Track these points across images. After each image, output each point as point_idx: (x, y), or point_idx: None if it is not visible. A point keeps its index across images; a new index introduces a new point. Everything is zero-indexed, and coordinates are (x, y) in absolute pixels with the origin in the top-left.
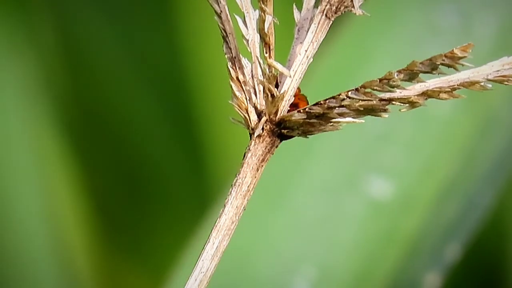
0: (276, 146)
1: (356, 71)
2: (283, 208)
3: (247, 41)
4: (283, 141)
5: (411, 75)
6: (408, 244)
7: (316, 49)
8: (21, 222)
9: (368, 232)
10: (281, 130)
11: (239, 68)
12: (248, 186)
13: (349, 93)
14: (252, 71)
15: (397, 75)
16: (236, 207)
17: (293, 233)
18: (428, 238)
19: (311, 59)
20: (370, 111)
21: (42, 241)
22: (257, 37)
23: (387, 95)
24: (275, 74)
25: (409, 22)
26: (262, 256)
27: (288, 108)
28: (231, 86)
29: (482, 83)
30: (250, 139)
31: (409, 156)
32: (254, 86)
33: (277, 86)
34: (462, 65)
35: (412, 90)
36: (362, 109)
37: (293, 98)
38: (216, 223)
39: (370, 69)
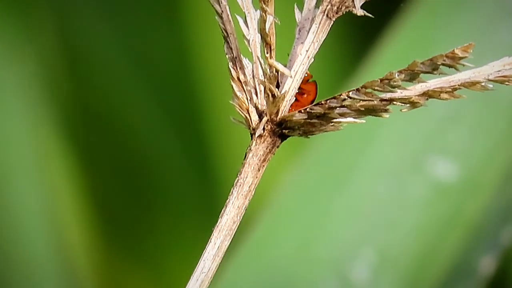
0: (277, 146)
1: (425, 53)
2: (347, 190)
3: (248, 41)
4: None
5: (412, 75)
6: (469, 227)
7: (317, 49)
8: (22, 221)
9: (431, 215)
10: (282, 130)
11: (240, 68)
12: (249, 186)
13: (350, 93)
14: (253, 71)
15: (397, 75)
16: (238, 207)
17: (355, 217)
18: (488, 222)
19: (312, 59)
20: (371, 111)
21: (43, 241)
22: (258, 37)
23: (388, 95)
24: (276, 74)
25: (480, 6)
26: (324, 239)
27: (295, 98)
28: (232, 86)
29: (483, 83)
30: (251, 139)
31: (474, 138)
32: (255, 86)
33: (278, 86)
34: (463, 65)
35: (413, 90)
36: (363, 109)
37: (302, 82)
38: (217, 223)
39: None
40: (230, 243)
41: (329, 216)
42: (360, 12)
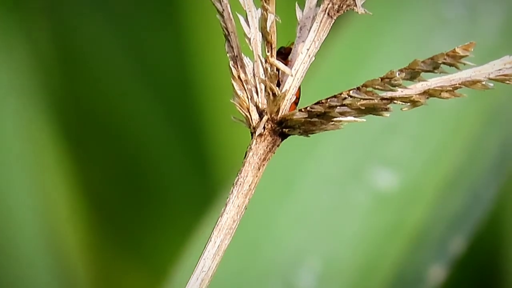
0: (278, 145)
1: (362, 65)
2: (289, 200)
3: (249, 39)
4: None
5: (412, 74)
6: (413, 236)
7: (318, 48)
8: (16, 220)
9: (374, 224)
10: (282, 129)
11: (240, 66)
12: (249, 185)
13: (351, 92)
14: (253, 70)
15: (398, 74)
16: (238, 206)
17: (299, 225)
18: (433, 231)
19: (313, 58)
20: (371, 110)
21: (39, 241)
22: (259, 36)
23: (388, 94)
24: (277, 73)
25: (416, 14)
26: (268, 248)
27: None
28: (233, 85)
29: (484, 82)
30: (252, 138)
31: (414, 148)
32: (256, 85)
33: (278, 85)
34: (464, 64)
35: (414, 89)
36: (363, 108)
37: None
38: (217, 222)
39: (376, 63)
40: (229, 242)
41: (274, 223)
42: (361, 10)
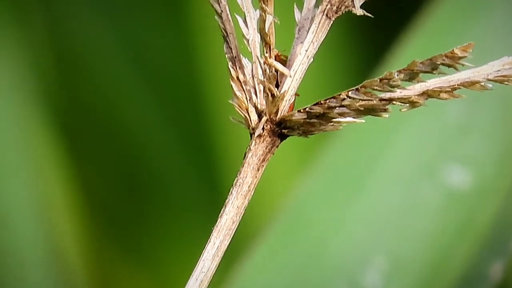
0: (277, 146)
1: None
2: (361, 196)
3: (248, 40)
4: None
5: (411, 75)
6: (482, 234)
7: (317, 49)
8: (14, 220)
9: (444, 223)
10: (281, 130)
11: (239, 68)
12: (248, 186)
13: (350, 93)
14: (252, 71)
15: (397, 75)
16: (237, 207)
17: (369, 223)
18: (498, 229)
19: (312, 59)
20: (370, 111)
21: (38, 241)
22: (257, 37)
23: (387, 95)
24: (276, 74)
25: (496, 12)
26: (337, 245)
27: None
28: (232, 86)
29: (483, 83)
30: (251, 139)
31: (488, 146)
32: (255, 86)
33: (277, 86)
34: (462, 65)
35: (413, 90)
36: (362, 109)
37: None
38: (217, 223)
39: None
40: (232, 243)
41: (342, 222)
42: (359, 11)
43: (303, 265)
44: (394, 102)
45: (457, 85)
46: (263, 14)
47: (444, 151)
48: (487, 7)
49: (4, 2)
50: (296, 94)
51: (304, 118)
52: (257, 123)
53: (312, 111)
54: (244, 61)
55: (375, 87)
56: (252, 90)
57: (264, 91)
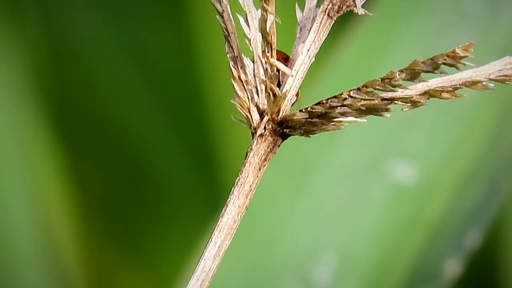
0: (278, 146)
1: (381, 58)
2: (306, 193)
3: (249, 40)
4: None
5: (413, 75)
6: (430, 230)
7: (318, 49)
8: (11, 219)
9: (391, 218)
10: (283, 130)
11: (241, 67)
12: (250, 186)
13: (351, 92)
14: (254, 70)
15: (399, 75)
16: (239, 206)
17: (316, 219)
18: (450, 224)
19: (313, 59)
20: (372, 110)
21: (35, 241)
22: (259, 37)
23: (389, 95)
24: (277, 73)
25: (435, 7)
26: (284, 242)
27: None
28: (233, 86)
29: (484, 83)
30: (252, 138)
31: (433, 141)
32: (256, 85)
33: (279, 85)
34: (464, 64)
35: (414, 89)
36: (364, 108)
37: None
38: (218, 223)
39: (395, 56)
40: (230, 243)
41: (290, 217)
42: (361, 11)
43: (252, 264)
44: (395, 101)
45: (459, 84)
46: (265, 13)
47: (389, 145)
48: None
49: (2, 3)
50: (297, 95)
51: (306, 118)
52: (258, 122)
53: (313, 110)
54: (246, 60)
55: (377, 87)
56: (254, 90)
57: (265, 90)
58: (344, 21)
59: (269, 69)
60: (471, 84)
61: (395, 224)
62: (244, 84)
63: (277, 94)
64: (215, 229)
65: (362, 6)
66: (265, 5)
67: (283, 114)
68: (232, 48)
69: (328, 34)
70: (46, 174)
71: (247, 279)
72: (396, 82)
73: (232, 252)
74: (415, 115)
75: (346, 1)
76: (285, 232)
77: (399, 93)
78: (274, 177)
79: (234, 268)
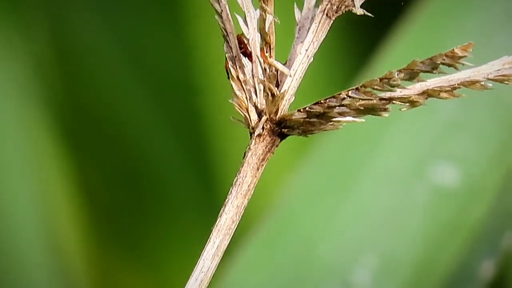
0: (277, 145)
1: (429, 54)
2: (351, 195)
3: (248, 40)
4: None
5: (411, 75)
6: (472, 232)
7: (317, 49)
8: (16, 220)
9: (434, 221)
10: (281, 129)
11: (239, 67)
12: (248, 186)
13: (350, 92)
14: (252, 70)
15: (397, 75)
16: (237, 206)
17: (359, 220)
18: (490, 226)
19: (312, 59)
20: (370, 110)
21: (38, 242)
22: (257, 36)
23: (387, 95)
24: (276, 73)
25: (483, 9)
26: (328, 243)
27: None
28: (232, 85)
29: (483, 82)
30: (251, 138)
31: (476, 144)
32: (255, 85)
33: (277, 85)
34: (463, 64)
35: (413, 89)
36: (362, 108)
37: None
38: (216, 223)
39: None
40: (230, 243)
41: (333, 219)
42: (359, 11)
43: (293, 265)
44: (394, 101)
45: (457, 84)
46: (263, 13)
47: (434, 149)
48: (480, 3)
49: (7, 5)
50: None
51: (304, 118)
52: (257, 122)
53: (312, 110)
54: (244, 60)
55: (375, 87)
56: (252, 90)
57: (264, 90)
58: (385, 23)
59: (267, 69)
60: (470, 84)
61: (437, 227)
62: (243, 84)
63: (275, 94)
64: (213, 229)
65: (360, 6)
66: (263, 5)
67: (281, 114)
68: (231, 48)
69: (327, 33)
70: (50, 175)
71: (289, 281)
72: (394, 82)
73: (275, 253)
74: (459, 117)
75: (345, 1)
76: (328, 235)
77: (398, 93)
78: (320, 179)
79: (276, 269)
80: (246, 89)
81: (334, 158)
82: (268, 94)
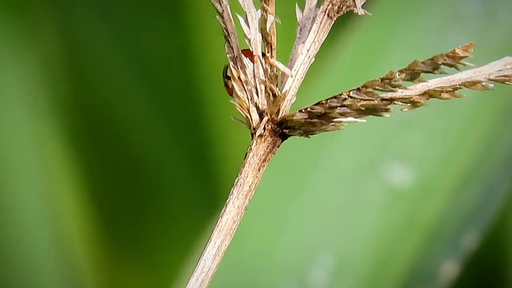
0: (278, 146)
1: (377, 61)
2: (303, 195)
3: (249, 40)
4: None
5: (412, 75)
6: (427, 232)
7: (318, 49)
8: (23, 220)
9: (388, 220)
10: (282, 130)
11: (240, 67)
12: (249, 186)
13: (351, 92)
14: (253, 70)
15: (398, 75)
16: (238, 206)
17: (312, 221)
18: (447, 226)
19: (313, 59)
20: (371, 110)
21: (44, 243)
22: (259, 37)
23: (388, 95)
24: (277, 73)
25: (432, 9)
26: (283, 243)
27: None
28: (233, 86)
29: (484, 83)
30: (252, 138)
31: (429, 143)
32: (256, 85)
33: (278, 85)
34: (464, 64)
35: (414, 90)
36: (363, 108)
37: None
38: (217, 223)
39: (391, 59)
40: (230, 243)
41: (287, 219)
42: (361, 11)
43: (249, 265)
44: (395, 102)
45: (459, 85)
46: (265, 14)
47: (386, 148)
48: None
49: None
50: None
51: (306, 118)
52: (258, 123)
53: (313, 111)
54: (246, 60)
55: (376, 87)
56: (254, 90)
57: (265, 91)
58: (342, 21)
59: (269, 69)
60: (471, 84)
61: (392, 226)
62: (244, 84)
63: (276, 94)
64: (214, 230)
65: (362, 7)
66: (265, 5)
67: (283, 114)
68: (232, 48)
69: (328, 34)
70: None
71: (244, 281)
72: (395, 82)
73: (228, 254)
74: (412, 117)
75: (346, 2)
76: (281, 234)
77: (399, 93)
78: (272, 178)
79: (230, 269)
80: (247, 89)
81: (287, 157)
82: (269, 95)
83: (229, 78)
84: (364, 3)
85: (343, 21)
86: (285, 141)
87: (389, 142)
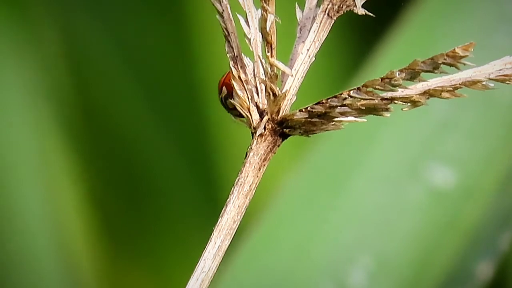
0: (278, 145)
1: (426, 54)
2: (345, 195)
3: (249, 40)
4: (347, 128)
5: (412, 74)
6: (466, 233)
7: (318, 48)
8: (24, 221)
9: (429, 221)
10: (283, 129)
11: (241, 67)
12: (250, 186)
13: (351, 92)
14: (254, 70)
15: (398, 74)
16: (238, 206)
17: (354, 221)
18: (485, 227)
19: (313, 58)
20: (372, 110)
21: (45, 243)
22: (259, 36)
23: (389, 94)
24: (277, 73)
25: (478, 10)
26: (322, 243)
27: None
28: (233, 85)
29: (484, 82)
30: (252, 138)
31: (472, 144)
32: (256, 85)
33: (278, 84)
34: (464, 64)
35: (414, 89)
36: (364, 108)
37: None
38: (217, 223)
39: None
40: (230, 243)
41: (327, 220)
42: (361, 11)
43: (288, 265)
44: (395, 101)
45: (459, 84)
46: (265, 13)
47: (428, 149)
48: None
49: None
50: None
51: (306, 118)
52: (258, 122)
53: (313, 110)
54: (246, 60)
55: (377, 86)
56: (254, 90)
57: (265, 90)
58: (383, 28)
59: (269, 69)
60: (471, 83)
61: (432, 227)
62: (244, 84)
63: (277, 93)
64: (214, 229)
65: (362, 6)
66: (265, 5)
67: (283, 113)
68: (232, 47)
69: (328, 33)
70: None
71: (283, 282)
72: (396, 82)
73: (271, 251)
74: (453, 117)
75: (346, 1)
76: (322, 235)
77: (399, 92)
78: (313, 179)
79: (270, 270)
80: (247, 89)
81: (329, 158)
82: (269, 94)
83: (226, 103)
84: (364, 2)
85: (384, 27)
86: (326, 142)
87: (430, 143)
